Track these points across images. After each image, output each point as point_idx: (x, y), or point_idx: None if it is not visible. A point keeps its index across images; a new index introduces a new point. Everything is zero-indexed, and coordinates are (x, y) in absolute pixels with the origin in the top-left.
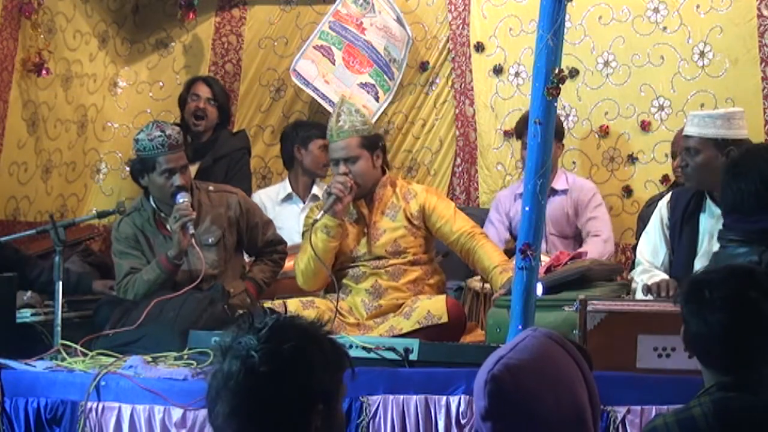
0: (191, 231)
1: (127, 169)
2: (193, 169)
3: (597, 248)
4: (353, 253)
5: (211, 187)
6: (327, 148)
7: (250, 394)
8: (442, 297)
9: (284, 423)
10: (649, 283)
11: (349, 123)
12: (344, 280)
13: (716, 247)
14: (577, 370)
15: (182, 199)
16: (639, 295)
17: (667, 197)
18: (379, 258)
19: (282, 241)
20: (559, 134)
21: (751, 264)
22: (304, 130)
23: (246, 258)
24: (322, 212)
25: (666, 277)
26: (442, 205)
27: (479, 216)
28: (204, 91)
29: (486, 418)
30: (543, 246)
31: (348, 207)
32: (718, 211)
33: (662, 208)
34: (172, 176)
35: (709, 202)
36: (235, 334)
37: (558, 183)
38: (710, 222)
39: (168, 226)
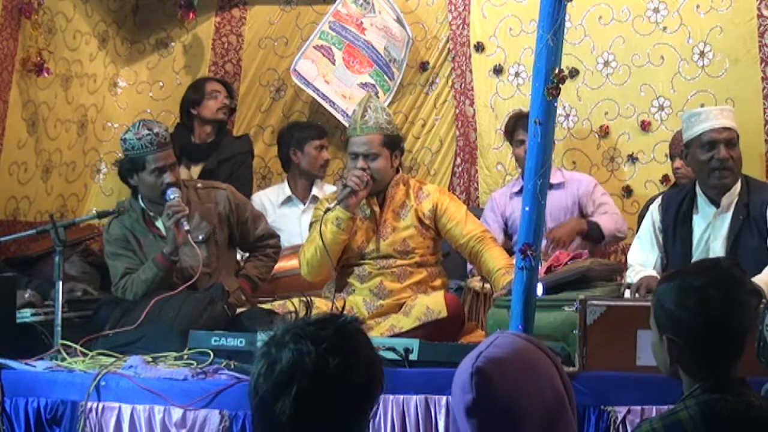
0: (186, 227)
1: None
2: (196, 170)
3: (612, 219)
4: (361, 249)
5: (199, 184)
6: (323, 149)
7: (328, 377)
8: (440, 292)
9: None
10: (634, 281)
11: (375, 119)
12: (348, 279)
13: (714, 246)
14: (548, 360)
15: (173, 195)
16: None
17: (658, 200)
18: (386, 257)
19: (274, 235)
20: None
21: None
22: (299, 132)
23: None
24: (335, 202)
25: (651, 273)
26: (453, 206)
27: (479, 216)
28: (221, 89)
29: (473, 413)
30: (542, 241)
31: (360, 202)
32: (711, 211)
33: (654, 212)
34: (162, 174)
35: (702, 203)
36: (281, 329)
37: (553, 177)
38: (704, 223)
39: (157, 225)
